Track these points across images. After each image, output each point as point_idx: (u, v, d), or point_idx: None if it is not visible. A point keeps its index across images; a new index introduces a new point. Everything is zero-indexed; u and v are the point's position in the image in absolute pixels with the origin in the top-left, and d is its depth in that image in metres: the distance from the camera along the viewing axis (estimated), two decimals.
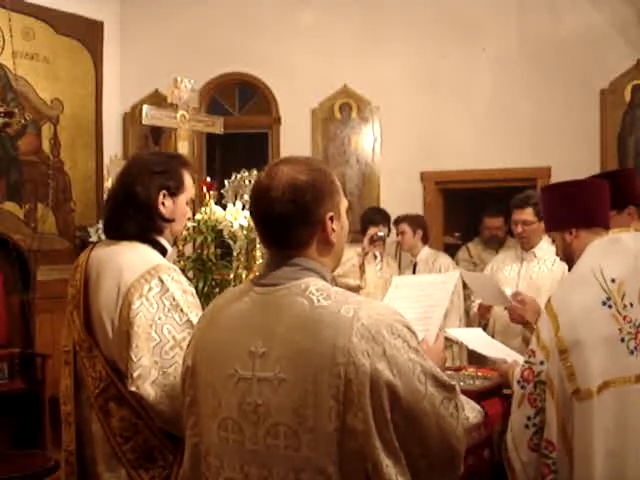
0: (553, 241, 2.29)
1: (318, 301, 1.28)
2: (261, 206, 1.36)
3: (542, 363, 1.96)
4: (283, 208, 1.32)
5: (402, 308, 2.34)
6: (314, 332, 1.25)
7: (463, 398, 1.42)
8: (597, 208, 2.16)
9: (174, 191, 1.98)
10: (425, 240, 4.53)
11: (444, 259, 4.47)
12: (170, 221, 1.97)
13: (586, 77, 4.95)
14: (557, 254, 2.31)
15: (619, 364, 1.91)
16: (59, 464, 3.55)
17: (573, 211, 2.15)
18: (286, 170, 1.35)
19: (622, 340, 1.92)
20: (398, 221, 4.57)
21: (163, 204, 1.95)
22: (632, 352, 1.93)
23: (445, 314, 4.00)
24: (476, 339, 2.82)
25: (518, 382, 2.01)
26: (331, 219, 1.37)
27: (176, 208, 1.98)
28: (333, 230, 1.37)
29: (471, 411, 1.42)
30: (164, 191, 1.95)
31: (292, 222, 1.33)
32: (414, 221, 4.52)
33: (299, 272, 1.34)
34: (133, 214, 1.92)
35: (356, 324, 1.24)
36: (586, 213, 2.15)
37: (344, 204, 1.43)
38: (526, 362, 2.02)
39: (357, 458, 1.22)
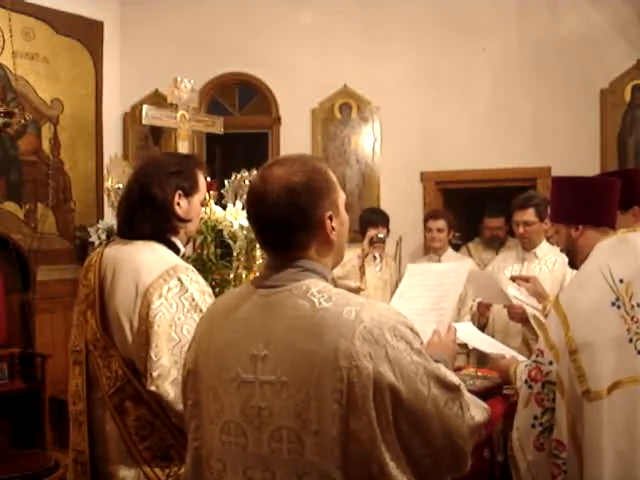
0: (557, 232, 2.26)
1: (320, 303, 1.26)
2: (257, 211, 1.35)
3: (551, 363, 1.96)
4: (280, 213, 1.30)
5: (416, 297, 2.34)
6: (316, 335, 1.23)
7: (469, 396, 1.40)
8: (607, 207, 2.15)
9: (189, 191, 1.99)
10: (449, 241, 4.45)
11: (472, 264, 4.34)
12: (186, 221, 1.99)
13: (586, 77, 4.94)
14: (557, 245, 2.30)
15: (627, 364, 1.91)
16: (59, 464, 3.57)
17: (583, 208, 2.14)
18: (280, 173, 1.32)
19: (630, 340, 1.92)
20: (434, 216, 4.41)
21: (178, 204, 1.96)
22: (639, 352, 1.92)
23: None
24: (468, 334, 2.80)
25: (525, 382, 2.01)
26: (330, 218, 1.34)
27: (191, 208, 2.00)
28: (333, 229, 1.35)
29: (477, 409, 1.41)
30: (179, 191, 1.96)
31: (290, 226, 1.31)
32: (451, 220, 4.38)
33: (300, 273, 1.32)
34: (149, 214, 1.92)
35: (358, 326, 1.22)
36: (596, 212, 2.14)
37: (342, 199, 1.40)
38: (534, 361, 2.01)
39: (361, 461, 1.22)
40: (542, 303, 2.79)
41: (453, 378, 1.35)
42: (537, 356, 2.01)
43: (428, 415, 1.26)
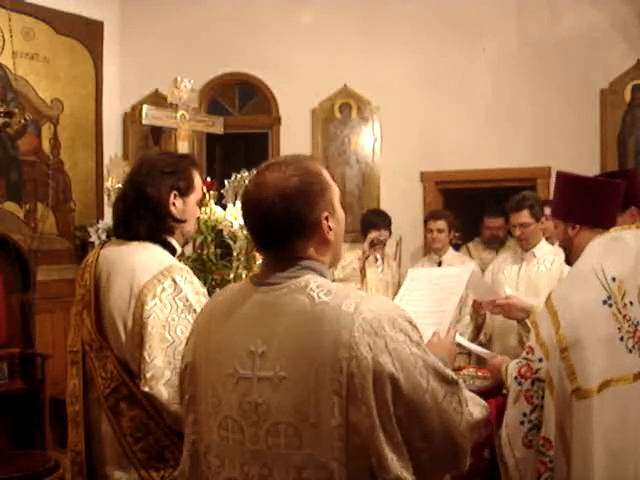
0: (556, 226, 2.25)
1: (319, 297, 1.27)
2: (254, 218, 1.35)
3: (540, 360, 1.96)
4: (277, 219, 1.30)
5: (417, 301, 2.34)
6: (316, 328, 1.24)
7: (468, 393, 1.40)
8: (608, 210, 2.13)
9: (184, 191, 1.98)
10: (450, 241, 4.45)
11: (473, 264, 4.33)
12: (181, 222, 1.98)
13: (586, 77, 4.95)
14: (556, 238, 2.30)
15: (618, 363, 1.91)
16: (59, 464, 3.57)
17: (584, 208, 2.13)
18: (273, 178, 1.32)
19: (621, 339, 1.91)
20: (435, 217, 4.40)
21: (174, 204, 1.95)
22: (630, 351, 1.92)
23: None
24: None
25: (515, 378, 2.01)
26: (326, 218, 1.35)
27: (186, 208, 1.99)
28: (330, 228, 1.36)
29: (476, 406, 1.41)
30: (175, 191, 1.96)
31: (288, 231, 1.32)
32: (452, 220, 4.37)
33: (298, 271, 1.33)
34: (144, 215, 1.92)
35: (357, 318, 1.23)
36: (596, 214, 2.13)
37: (337, 197, 1.40)
38: (524, 358, 2.01)
39: (361, 453, 1.22)
40: (530, 317, 2.76)
41: (452, 373, 1.35)
42: (527, 353, 2.01)
43: (427, 408, 1.26)
